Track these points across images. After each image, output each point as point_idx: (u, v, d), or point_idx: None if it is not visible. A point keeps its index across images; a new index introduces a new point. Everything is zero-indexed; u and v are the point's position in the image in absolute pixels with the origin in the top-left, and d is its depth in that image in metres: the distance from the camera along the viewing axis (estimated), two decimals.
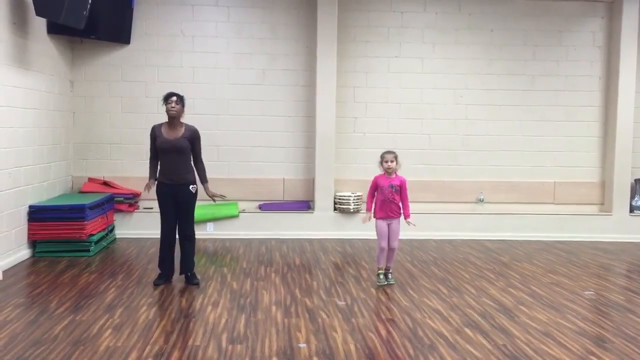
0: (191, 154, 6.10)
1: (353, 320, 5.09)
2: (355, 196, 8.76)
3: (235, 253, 7.73)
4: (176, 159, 6.00)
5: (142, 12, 8.70)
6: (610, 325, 5.08)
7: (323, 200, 8.83)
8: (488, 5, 9.12)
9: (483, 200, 9.19)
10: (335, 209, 8.88)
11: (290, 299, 5.67)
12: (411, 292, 5.99)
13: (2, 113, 6.49)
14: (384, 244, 6.19)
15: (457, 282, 6.39)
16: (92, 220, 7.44)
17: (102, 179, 8.72)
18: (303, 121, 9.02)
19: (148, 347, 4.38)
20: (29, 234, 7.17)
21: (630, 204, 9.18)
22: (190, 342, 4.51)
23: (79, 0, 6.96)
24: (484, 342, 4.62)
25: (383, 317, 5.24)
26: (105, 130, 8.78)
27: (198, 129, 6.14)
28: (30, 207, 7.18)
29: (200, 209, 8.36)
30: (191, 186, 6.07)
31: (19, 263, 6.85)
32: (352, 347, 4.48)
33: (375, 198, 6.23)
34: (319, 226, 8.78)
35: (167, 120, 6.07)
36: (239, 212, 8.76)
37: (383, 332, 4.82)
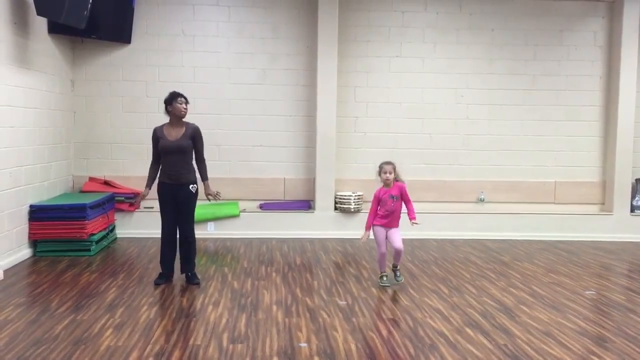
0: (193, 152, 6.10)
1: (354, 319, 5.09)
2: (355, 196, 8.76)
3: (236, 252, 7.73)
4: (178, 159, 5.99)
5: (143, 12, 8.70)
6: (611, 325, 5.07)
7: (324, 200, 8.83)
8: (489, 5, 9.12)
9: (484, 199, 9.19)
10: (336, 208, 8.88)
11: (291, 299, 5.67)
12: (412, 291, 5.99)
13: (3, 112, 6.50)
14: (384, 249, 6.15)
15: (458, 282, 6.39)
16: (93, 220, 7.44)
17: (103, 178, 8.72)
18: (304, 121, 9.02)
19: (149, 347, 4.38)
20: (29, 233, 7.17)
21: (631, 204, 9.18)
22: (191, 342, 4.51)
23: (80, 0, 6.96)
24: (485, 341, 4.62)
25: (384, 316, 5.24)
26: (106, 130, 8.79)
27: (199, 127, 6.15)
28: (31, 206, 7.19)
29: (201, 208, 8.36)
30: (191, 186, 6.06)
31: (19, 262, 6.85)
32: (352, 346, 4.48)
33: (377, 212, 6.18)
34: (320, 226, 8.78)
35: (168, 120, 6.07)
36: (240, 212, 8.76)
37: (384, 332, 4.82)
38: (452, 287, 6.17)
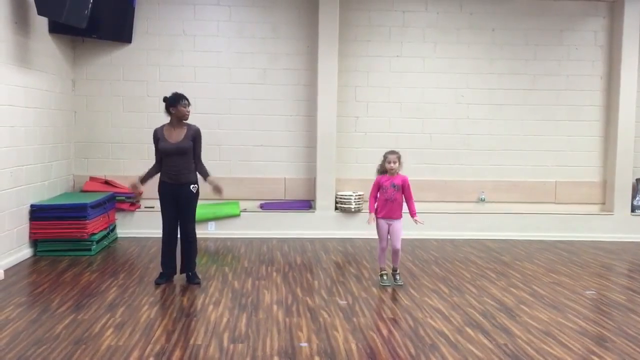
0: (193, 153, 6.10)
1: (354, 319, 5.10)
2: (356, 195, 8.76)
3: (236, 252, 7.73)
4: (179, 160, 5.97)
5: (144, 12, 8.70)
6: (611, 325, 5.07)
7: (324, 200, 8.83)
8: (489, 5, 9.11)
9: (484, 199, 9.19)
10: (336, 208, 8.89)
11: (292, 298, 5.67)
12: (412, 291, 5.99)
13: (3, 112, 6.50)
14: (385, 244, 6.19)
15: (458, 282, 6.39)
16: (94, 220, 7.45)
17: (104, 178, 8.73)
18: (304, 120, 9.02)
19: (149, 346, 4.39)
20: (30, 233, 7.17)
21: (632, 204, 9.18)
22: (191, 341, 4.51)
23: None
24: (485, 341, 4.62)
25: (384, 316, 5.24)
26: (107, 130, 8.79)
27: (200, 128, 6.15)
28: (32, 206, 7.19)
29: (202, 208, 8.36)
30: (192, 186, 6.06)
31: (20, 262, 6.85)
32: (353, 346, 4.48)
33: (377, 198, 6.22)
34: (320, 225, 8.78)
35: (169, 121, 6.06)
36: (240, 212, 8.76)
37: (384, 332, 4.82)
38: (452, 287, 6.17)
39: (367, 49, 9.04)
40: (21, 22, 6.91)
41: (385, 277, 6.22)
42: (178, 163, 5.97)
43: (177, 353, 4.28)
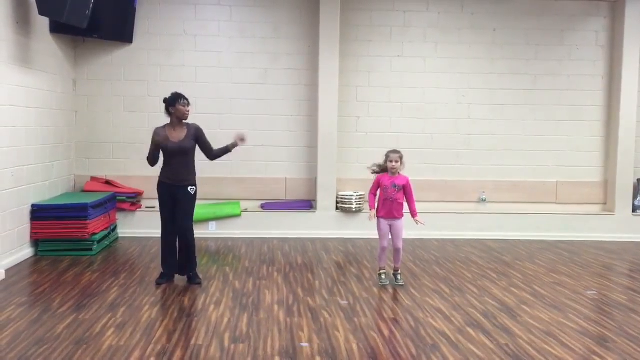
0: (194, 153, 6.09)
1: (355, 319, 5.09)
2: (357, 195, 8.76)
3: (237, 252, 7.73)
4: (181, 160, 5.97)
5: (145, 12, 8.70)
6: (612, 325, 5.07)
7: (325, 200, 8.83)
8: (490, 5, 9.11)
9: (485, 199, 9.19)
10: (337, 208, 8.88)
11: (293, 299, 5.67)
12: (413, 291, 5.99)
13: (4, 112, 6.50)
14: (385, 244, 6.19)
15: (459, 282, 6.39)
16: (95, 220, 7.45)
17: (105, 178, 8.73)
18: (305, 120, 9.02)
19: (151, 346, 4.39)
20: (31, 233, 7.18)
21: (633, 204, 9.17)
22: (192, 341, 4.51)
23: None
24: (487, 341, 4.61)
25: (385, 316, 5.24)
26: (108, 130, 8.79)
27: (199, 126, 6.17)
28: (33, 206, 7.19)
29: (203, 208, 8.38)
30: (190, 187, 6.05)
31: (21, 262, 6.86)
32: (354, 346, 4.48)
33: (377, 197, 6.22)
34: (321, 225, 8.78)
35: (169, 121, 6.06)
36: (241, 212, 8.76)
37: (385, 332, 4.82)
38: (453, 287, 6.17)
39: (368, 49, 9.04)
40: (22, 22, 6.91)
41: (383, 277, 6.22)
42: (179, 163, 5.97)
43: (178, 353, 4.28)
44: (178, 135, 5.99)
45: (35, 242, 7.26)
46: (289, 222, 8.77)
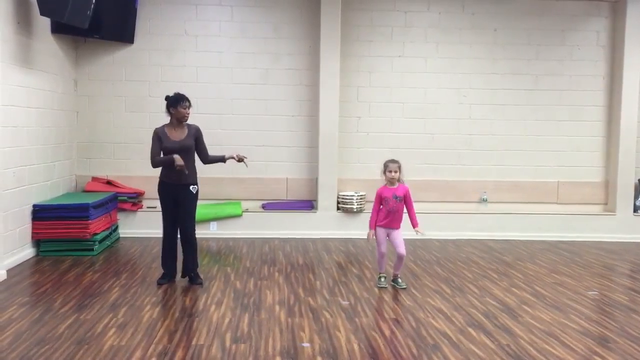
0: (195, 153, 6.10)
1: (356, 319, 5.10)
2: (358, 196, 8.76)
3: (238, 252, 7.74)
4: (182, 159, 5.97)
5: (146, 12, 8.71)
6: (613, 326, 5.07)
7: (326, 200, 8.84)
8: (491, 5, 9.11)
9: (486, 200, 9.19)
10: (338, 208, 8.88)
11: (294, 299, 5.68)
12: (414, 291, 5.99)
13: (6, 112, 6.50)
14: (384, 249, 6.14)
15: (460, 282, 6.39)
16: (96, 220, 7.46)
17: (106, 178, 8.74)
18: (306, 120, 9.02)
19: (152, 346, 4.39)
20: (32, 233, 7.18)
21: (634, 204, 9.17)
22: (194, 341, 4.52)
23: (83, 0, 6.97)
24: (488, 341, 4.62)
25: (386, 316, 5.24)
26: (109, 130, 8.80)
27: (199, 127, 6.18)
28: (34, 206, 7.20)
29: (204, 208, 8.39)
30: (192, 187, 6.06)
31: (23, 262, 6.87)
32: (355, 346, 4.48)
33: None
34: (322, 226, 8.78)
35: (170, 122, 6.05)
36: (242, 212, 8.77)
37: (386, 332, 4.82)
38: (454, 287, 6.17)
39: (369, 49, 9.04)
40: (24, 22, 6.92)
41: (383, 280, 6.18)
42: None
43: (180, 353, 4.28)
44: (179, 135, 6.00)
45: (37, 242, 7.27)
46: (290, 222, 8.77)
